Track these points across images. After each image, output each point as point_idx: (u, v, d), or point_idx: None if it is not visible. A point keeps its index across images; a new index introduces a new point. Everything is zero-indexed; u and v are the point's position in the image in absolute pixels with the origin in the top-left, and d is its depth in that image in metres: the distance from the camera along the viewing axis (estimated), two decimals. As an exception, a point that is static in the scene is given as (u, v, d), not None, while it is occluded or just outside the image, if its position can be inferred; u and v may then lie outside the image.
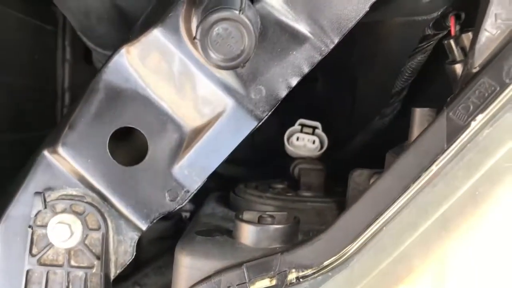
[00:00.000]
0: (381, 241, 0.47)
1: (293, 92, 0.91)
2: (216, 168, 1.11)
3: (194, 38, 0.48)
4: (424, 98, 0.79)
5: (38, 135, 0.81)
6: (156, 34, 0.57)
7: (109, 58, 0.62)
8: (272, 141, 0.89)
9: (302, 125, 0.82)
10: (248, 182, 0.84)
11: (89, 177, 0.62)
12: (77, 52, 1.11)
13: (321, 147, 0.81)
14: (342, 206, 0.69)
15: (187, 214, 0.94)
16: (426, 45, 0.67)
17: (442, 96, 0.56)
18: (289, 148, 0.82)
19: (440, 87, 0.59)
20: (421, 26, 0.67)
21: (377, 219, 0.47)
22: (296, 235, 0.58)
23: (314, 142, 0.81)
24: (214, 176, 1.10)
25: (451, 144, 0.45)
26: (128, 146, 0.66)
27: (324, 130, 0.83)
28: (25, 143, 0.85)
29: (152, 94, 0.60)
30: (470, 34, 0.54)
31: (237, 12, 0.47)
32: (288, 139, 0.82)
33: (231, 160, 1.08)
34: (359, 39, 0.75)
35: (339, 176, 0.84)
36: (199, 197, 0.98)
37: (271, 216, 0.59)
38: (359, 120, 0.86)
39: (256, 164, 1.06)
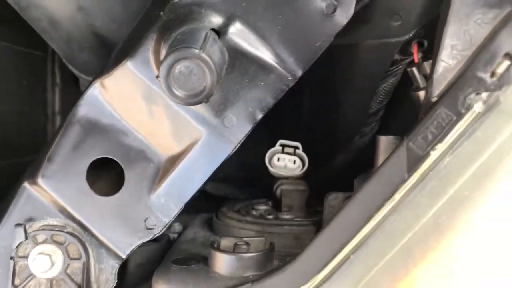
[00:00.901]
0: (349, 269, 0.48)
1: (284, 110, 0.92)
2: (206, 188, 1.12)
3: (157, 76, 0.49)
4: (399, 118, 0.80)
5: (30, 159, 0.82)
6: (128, 67, 0.58)
7: (84, 91, 0.63)
8: (262, 159, 0.90)
9: (283, 146, 0.83)
10: (233, 203, 0.85)
11: (69, 207, 0.63)
12: (67, 76, 1.12)
13: (303, 167, 0.82)
14: (319, 228, 0.69)
15: (175, 236, 0.94)
16: (396, 69, 0.68)
17: (415, 118, 0.56)
18: (270, 169, 0.83)
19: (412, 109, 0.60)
20: (394, 48, 0.68)
21: (343, 247, 0.48)
22: (271, 262, 0.59)
23: (295, 162, 0.81)
24: (205, 196, 1.10)
25: (412, 174, 0.46)
26: (108, 176, 0.68)
27: (308, 149, 0.84)
28: (17, 168, 0.86)
29: (127, 125, 0.61)
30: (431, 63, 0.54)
31: (197, 50, 0.48)
32: (269, 160, 0.83)
33: (221, 179, 1.09)
34: (337, 60, 0.76)
35: (323, 195, 0.85)
36: (188, 218, 1.00)
37: (247, 243, 0.60)
38: (341, 140, 0.87)
39: (246, 183, 1.07)
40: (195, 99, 0.49)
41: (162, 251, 0.92)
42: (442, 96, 0.46)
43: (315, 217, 0.75)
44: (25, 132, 1.04)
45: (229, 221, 0.74)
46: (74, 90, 1.12)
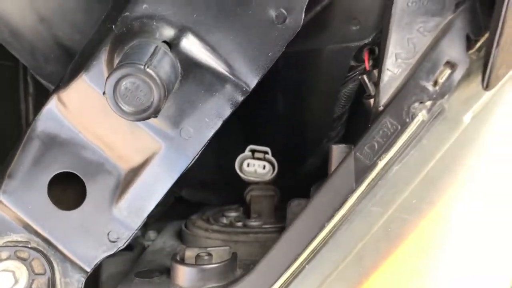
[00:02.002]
0: (303, 280, 0.48)
1: (258, 115, 0.92)
2: (182, 194, 1.11)
3: (104, 93, 0.49)
4: (363, 122, 0.80)
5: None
6: (83, 81, 0.58)
7: (43, 106, 0.63)
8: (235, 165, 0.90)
9: (253, 151, 0.83)
10: (204, 210, 0.85)
11: (32, 223, 0.63)
12: (41, 86, 1.11)
13: (273, 172, 0.82)
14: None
15: (149, 243, 0.94)
16: (353, 75, 0.68)
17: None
18: (241, 175, 0.83)
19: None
20: (354, 51, 0.68)
21: (297, 258, 0.48)
22: (233, 272, 0.59)
23: (264, 167, 0.81)
24: (181, 202, 1.10)
25: (360, 184, 0.46)
26: (70, 188, 0.67)
27: (281, 153, 0.84)
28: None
29: (85, 139, 0.61)
30: (380, 70, 0.55)
31: (141, 66, 0.47)
32: (240, 166, 0.83)
33: (197, 184, 1.09)
34: (303, 65, 0.76)
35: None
36: (164, 225, 0.99)
37: (209, 254, 0.59)
38: (311, 144, 0.87)
39: (223, 188, 1.07)
40: (143, 114, 0.49)
41: (135, 260, 0.92)
42: (387, 105, 0.46)
43: (283, 223, 0.75)
44: (-2, 143, 1.03)
45: (196, 231, 0.74)
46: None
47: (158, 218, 1.03)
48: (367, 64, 0.57)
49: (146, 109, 0.49)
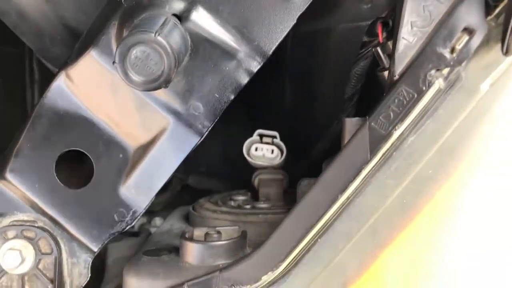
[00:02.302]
0: (316, 253, 0.47)
1: (265, 99, 0.90)
2: (189, 181, 1.10)
3: (114, 62, 0.48)
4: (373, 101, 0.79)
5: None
6: (92, 57, 0.57)
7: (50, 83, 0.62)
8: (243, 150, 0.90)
9: (261, 135, 0.82)
10: (212, 195, 0.84)
11: (38, 201, 0.62)
12: (46, 72, 1.11)
13: (281, 156, 0.81)
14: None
15: (156, 229, 0.94)
16: (365, 52, 0.67)
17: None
18: (249, 159, 0.82)
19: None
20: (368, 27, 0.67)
21: (309, 231, 0.47)
22: (243, 250, 0.58)
23: (272, 151, 0.80)
24: (188, 190, 1.09)
25: (375, 154, 0.45)
26: (79, 168, 0.67)
27: (289, 138, 0.83)
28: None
29: (94, 116, 0.60)
30: (394, 41, 0.54)
31: (152, 34, 0.47)
32: (248, 151, 0.82)
33: (203, 172, 1.08)
34: (313, 46, 0.75)
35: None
36: (170, 212, 0.99)
37: (218, 232, 0.59)
38: (321, 127, 0.86)
39: (229, 175, 1.07)
40: (153, 84, 0.48)
41: (141, 245, 0.91)
42: (403, 74, 0.45)
43: (292, 206, 0.74)
44: (2, 131, 1.03)
45: (204, 212, 0.73)
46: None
47: (165, 206, 1.02)
48: (381, 37, 0.56)
49: (156, 78, 0.48)
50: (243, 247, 0.58)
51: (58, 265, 0.63)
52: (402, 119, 0.44)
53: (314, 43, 0.74)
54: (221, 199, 0.80)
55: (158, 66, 0.48)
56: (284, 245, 0.48)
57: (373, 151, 0.45)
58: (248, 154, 0.82)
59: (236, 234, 0.61)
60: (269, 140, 0.82)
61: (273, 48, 0.56)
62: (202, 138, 0.60)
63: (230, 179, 1.05)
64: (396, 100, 0.45)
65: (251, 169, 0.86)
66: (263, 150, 0.81)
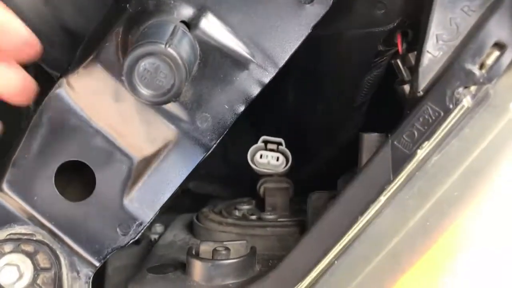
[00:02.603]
0: (333, 276, 0.45)
1: (268, 105, 0.88)
2: (189, 186, 1.08)
3: (121, 75, 0.45)
4: (384, 112, 0.77)
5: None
6: (94, 64, 0.55)
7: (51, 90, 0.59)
8: (245, 156, 0.87)
9: (266, 142, 0.80)
10: (215, 204, 0.81)
11: (37, 214, 0.59)
12: (44, 75, 1.07)
13: (286, 164, 0.78)
14: (303, 229, 0.66)
15: (156, 237, 0.91)
16: (380, 61, 0.65)
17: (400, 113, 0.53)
18: (254, 167, 0.79)
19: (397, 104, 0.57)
20: (379, 38, 0.65)
21: (327, 253, 0.45)
22: (253, 267, 0.56)
23: (278, 158, 0.78)
24: (188, 195, 1.07)
25: (398, 175, 0.43)
26: (80, 180, 0.64)
27: (292, 144, 0.81)
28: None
29: (96, 126, 0.57)
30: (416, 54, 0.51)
31: (162, 46, 0.44)
32: (252, 158, 0.79)
33: (204, 177, 1.06)
34: (320, 52, 0.73)
35: (308, 191, 0.82)
36: (170, 218, 0.96)
37: (226, 249, 0.56)
38: (326, 135, 0.84)
39: (230, 180, 1.04)
40: (162, 98, 0.46)
41: (142, 253, 0.89)
42: (428, 90, 0.43)
43: (300, 217, 0.72)
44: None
45: (210, 224, 0.70)
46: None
47: (164, 211, 1.00)
48: (400, 48, 0.54)
49: (166, 92, 0.45)
50: (252, 265, 0.56)
51: (57, 280, 0.60)
52: (427, 138, 0.42)
53: (321, 48, 0.72)
54: (225, 208, 0.77)
55: (168, 79, 0.45)
56: (299, 268, 0.46)
57: (396, 171, 0.43)
58: (253, 161, 0.79)
59: (244, 249, 0.59)
60: (274, 146, 0.80)
61: (286, 58, 0.53)
62: (210, 152, 0.58)
63: (231, 184, 1.03)
64: (420, 118, 0.42)
65: (253, 173, 0.84)
66: (268, 158, 0.78)
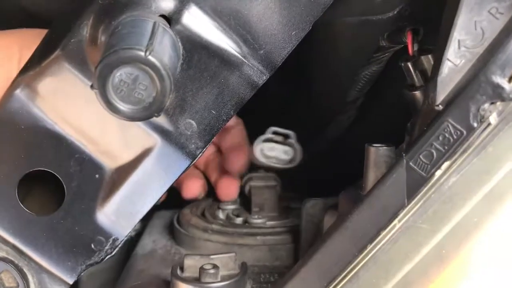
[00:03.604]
0: (337, 307, 0.41)
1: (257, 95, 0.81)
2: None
3: (92, 86, 0.38)
4: (382, 104, 0.72)
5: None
6: (58, 61, 0.47)
7: (6, 91, 0.51)
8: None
9: (274, 133, 0.73)
10: (197, 203, 0.75)
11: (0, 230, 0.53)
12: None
13: (293, 158, 0.72)
14: (296, 237, 0.62)
15: (133, 234, 0.85)
16: (381, 56, 0.59)
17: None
18: (261, 159, 0.72)
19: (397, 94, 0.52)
20: (376, 26, 0.59)
21: (332, 282, 0.40)
22: (244, 287, 0.51)
23: (286, 152, 0.72)
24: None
25: (413, 199, 0.38)
26: (45, 191, 0.57)
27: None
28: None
29: (62, 132, 0.50)
30: (430, 57, 0.46)
31: (142, 53, 0.37)
32: (258, 149, 0.72)
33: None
34: (311, 40, 0.67)
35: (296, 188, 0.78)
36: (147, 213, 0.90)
37: (215, 266, 0.51)
38: (315, 129, 0.78)
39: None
40: (143, 113, 0.39)
41: (118, 256, 0.83)
42: (448, 104, 0.38)
43: (290, 218, 0.68)
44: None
45: (193, 231, 0.65)
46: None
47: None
48: (411, 49, 0.48)
49: (147, 106, 0.38)
50: (244, 284, 0.51)
51: (25, 300, 0.54)
52: (447, 159, 0.37)
53: (312, 37, 0.65)
54: (208, 209, 0.72)
55: (149, 91, 0.38)
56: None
57: (411, 196, 0.38)
58: (261, 153, 0.72)
59: (233, 262, 0.54)
60: (280, 139, 0.73)
61: (283, 58, 0.47)
62: (196, 160, 0.51)
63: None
64: (440, 137, 0.37)
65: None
66: (276, 151, 0.72)
